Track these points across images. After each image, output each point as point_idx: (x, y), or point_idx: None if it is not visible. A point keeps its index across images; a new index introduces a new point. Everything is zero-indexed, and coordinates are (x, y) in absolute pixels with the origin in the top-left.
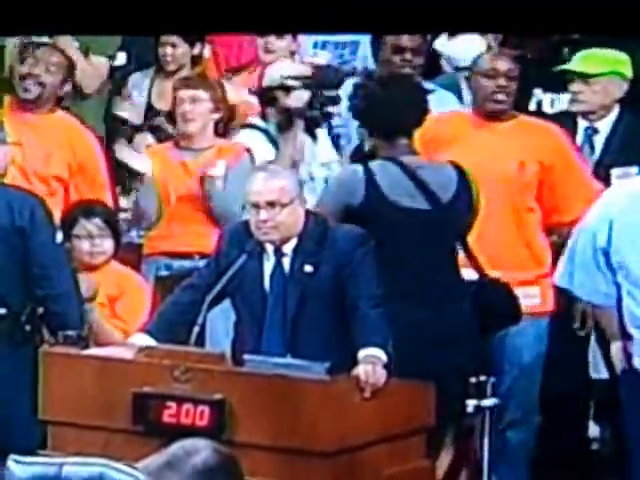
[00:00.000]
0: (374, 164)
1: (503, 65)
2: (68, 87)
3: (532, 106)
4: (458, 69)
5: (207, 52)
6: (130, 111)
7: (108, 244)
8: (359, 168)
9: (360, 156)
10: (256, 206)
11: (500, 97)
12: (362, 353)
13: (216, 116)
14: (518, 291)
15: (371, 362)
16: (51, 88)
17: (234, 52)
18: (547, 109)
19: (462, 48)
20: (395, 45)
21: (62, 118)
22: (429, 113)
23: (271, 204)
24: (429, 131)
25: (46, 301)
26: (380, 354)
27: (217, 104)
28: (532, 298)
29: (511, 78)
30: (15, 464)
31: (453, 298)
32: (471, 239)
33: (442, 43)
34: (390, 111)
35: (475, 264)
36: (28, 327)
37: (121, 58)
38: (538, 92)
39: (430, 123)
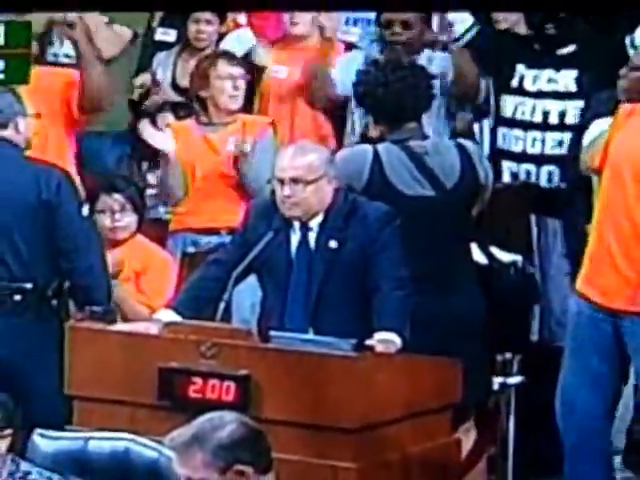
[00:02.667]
0: (381, 147)
1: None
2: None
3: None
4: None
5: (243, 20)
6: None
7: (130, 219)
8: (369, 149)
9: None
10: (281, 182)
11: None
12: (377, 336)
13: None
14: None
15: (385, 346)
16: None
17: (271, 24)
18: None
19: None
20: (385, 19)
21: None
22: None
23: (295, 181)
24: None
25: (73, 274)
26: (394, 338)
27: (245, 79)
28: None
29: None
30: (40, 438)
31: (460, 282)
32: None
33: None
34: (395, 96)
35: (483, 247)
36: (54, 301)
37: (172, 35)
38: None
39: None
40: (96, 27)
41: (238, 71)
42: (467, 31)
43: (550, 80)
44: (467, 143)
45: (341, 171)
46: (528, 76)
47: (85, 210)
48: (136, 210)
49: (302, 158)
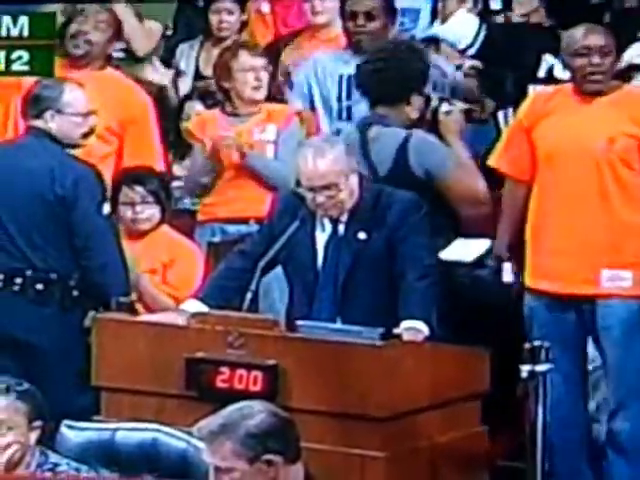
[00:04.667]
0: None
1: (595, 41)
2: (116, 45)
3: (542, 72)
4: (463, 51)
5: (266, 8)
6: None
7: (152, 211)
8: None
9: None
10: (312, 190)
11: (596, 77)
12: (404, 324)
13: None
14: (605, 274)
15: (412, 334)
16: (99, 46)
17: (293, 12)
18: (559, 74)
19: (458, 29)
20: (349, 11)
21: (112, 74)
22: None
23: (327, 187)
24: (527, 111)
25: (88, 272)
26: (422, 327)
27: (268, 70)
28: (621, 281)
29: (606, 54)
30: (68, 429)
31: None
32: (561, 220)
33: (436, 29)
34: (377, 81)
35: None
36: (76, 292)
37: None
38: (549, 57)
39: (531, 100)
40: (132, 26)
41: (260, 62)
42: (476, 36)
43: None
44: (415, 134)
45: None
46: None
47: (106, 208)
48: (159, 202)
49: (323, 160)
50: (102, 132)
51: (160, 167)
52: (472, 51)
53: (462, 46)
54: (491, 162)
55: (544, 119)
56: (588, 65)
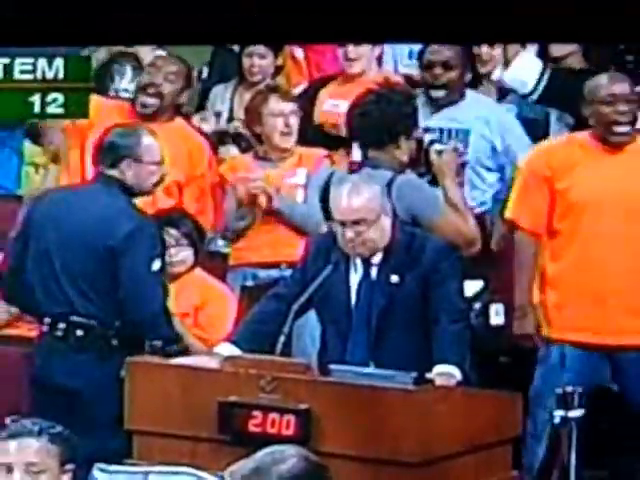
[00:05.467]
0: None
1: (621, 89)
2: (186, 94)
3: None
4: (525, 96)
5: (301, 54)
6: (210, 123)
7: (186, 253)
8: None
9: None
10: (342, 224)
11: (622, 127)
12: (437, 369)
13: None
14: None
15: (445, 379)
16: (170, 97)
17: (327, 58)
18: None
19: (522, 73)
20: (426, 60)
21: (181, 126)
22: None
23: (356, 222)
24: (545, 162)
25: (129, 324)
26: (455, 372)
27: (298, 114)
28: None
29: (630, 102)
30: (100, 472)
31: None
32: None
33: (500, 74)
34: (363, 125)
35: None
36: (115, 341)
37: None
38: None
39: (544, 152)
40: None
41: (289, 107)
42: (539, 82)
43: None
44: (401, 176)
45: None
46: None
47: (156, 265)
48: (192, 244)
49: (358, 197)
50: (170, 185)
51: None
52: (535, 97)
53: (525, 91)
54: (509, 215)
55: (572, 170)
56: (614, 113)
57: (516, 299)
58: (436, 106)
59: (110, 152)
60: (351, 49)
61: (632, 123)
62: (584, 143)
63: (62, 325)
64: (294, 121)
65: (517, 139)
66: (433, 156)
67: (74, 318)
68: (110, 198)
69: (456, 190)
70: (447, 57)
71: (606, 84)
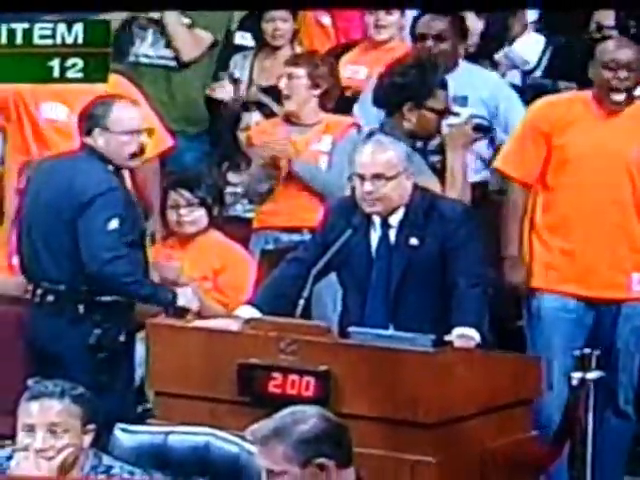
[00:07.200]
0: None
1: (625, 55)
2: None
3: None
4: (530, 72)
5: (327, 21)
6: (226, 92)
7: (198, 214)
8: None
9: None
10: (362, 178)
11: (620, 93)
12: (456, 331)
13: (316, 92)
14: (636, 277)
15: (464, 341)
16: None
17: (354, 25)
18: None
19: (526, 50)
20: (419, 33)
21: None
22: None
23: (376, 176)
24: (545, 116)
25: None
26: (473, 334)
27: (316, 80)
28: None
29: (632, 69)
30: (122, 432)
31: None
32: (589, 224)
33: (503, 52)
34: (378, 88)
35: None
36: (81, 306)
37: (249, 38)
38: None
39: (546, 106)
40: (176, 29)
41: (288, 70)
42: (541, 58)
43: None
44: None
45: None
46: None
47: (112, 224)
48: (205, 206)
49: (382, 154)
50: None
51: None
52: (538, 73)
53: (529, 67)
54: (498, 165)
55: (570, 127)
56: (614, 79)
57: (506, 250)
58: None
59: (84, 121)
60: (382, 16)
61: (631, 90)
62: (586, 101)
63: (39, 291)
64: (294, 84)
65: (510, 104)
66: (445, 129)
67: (45, 284)
68: (87, 165)
69: (459, 165)
70: (440, 29)
71: (611, 49)
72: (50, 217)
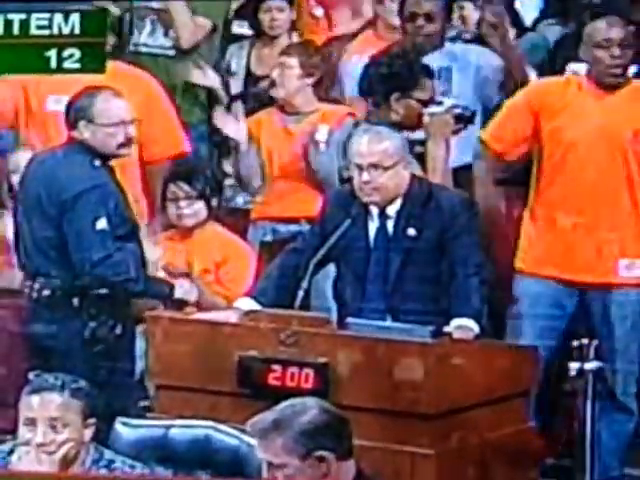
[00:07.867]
0: None
1: (617, 34)
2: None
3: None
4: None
5: (320, 12)
6: (208, 79)
7: (197, 206)
8: None
9: None
10: (359, 167)
11: (615, 70)
12: (454, 322)
13: (309, 81)
14: (623, 263)
15: (462, 332)
16: None
17: (346, 16)
18: None
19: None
20: (408, 12)
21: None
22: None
23: (374, 166)
24: (538, 97)
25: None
26: (472, 325)
27: (309, 69)
28: (637, 269)
29: (625, 46)
30: (122, 426)
31: None
32: (582, 207)
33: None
34: (363, 78)
35: None
36: (75, 301)
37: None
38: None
39: (541, 86)
40: (178, 10)
41: (280, 59)
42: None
43: None
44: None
45: None
46: None
47: (100, 224)
48: (203, 198)
49: (378, 144)
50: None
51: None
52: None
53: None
54: (483, 136)
55: (564, 110)
56: (608, 57)
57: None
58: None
59: (70, 114)
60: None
61: (625, 67)
62: (581, 83)
63: (36, 286)
64: (285, 73)
65: (490, 81)
66: (426, 118)
67: (40, 279)
68: (74, 158)
69: (439, 154)
70: (429, 9)
71: (603, 28)
72: (36, 212)
